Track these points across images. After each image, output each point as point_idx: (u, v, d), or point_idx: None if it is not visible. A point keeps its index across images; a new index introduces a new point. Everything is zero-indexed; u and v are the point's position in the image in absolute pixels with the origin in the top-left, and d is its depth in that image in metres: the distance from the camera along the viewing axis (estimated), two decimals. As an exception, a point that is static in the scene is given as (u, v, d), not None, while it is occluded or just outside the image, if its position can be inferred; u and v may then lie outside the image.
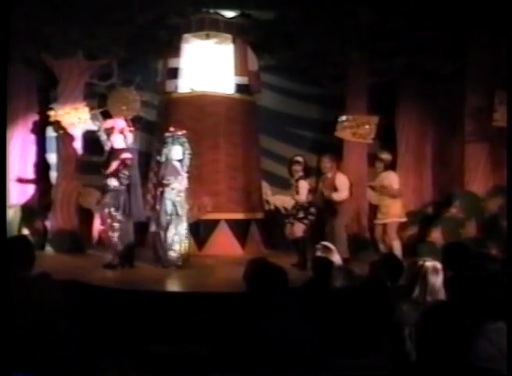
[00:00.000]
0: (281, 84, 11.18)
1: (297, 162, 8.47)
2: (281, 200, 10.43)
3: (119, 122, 8.52)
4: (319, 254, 5.18)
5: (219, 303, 5.86)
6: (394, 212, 8.64)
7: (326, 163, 8.60)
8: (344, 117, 9.80)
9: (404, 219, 8.85)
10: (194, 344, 5.23)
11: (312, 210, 8.38)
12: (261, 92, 10.65)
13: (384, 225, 8.72)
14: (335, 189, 8.46)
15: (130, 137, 8.32)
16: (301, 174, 8.40)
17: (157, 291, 6.94)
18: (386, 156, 8.90)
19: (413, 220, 9.45)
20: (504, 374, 2.72)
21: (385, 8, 8.55)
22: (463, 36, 8.86)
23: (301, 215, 8.34)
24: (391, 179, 8.70)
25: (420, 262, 3.90)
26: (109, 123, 8.64)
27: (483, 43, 8.87)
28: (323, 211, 8.59)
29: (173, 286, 7.58)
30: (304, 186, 8.33)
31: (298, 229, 8.33)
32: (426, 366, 2.41)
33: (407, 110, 10.15)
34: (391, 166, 9.08)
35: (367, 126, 9.71)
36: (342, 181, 8.52)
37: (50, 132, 10.39)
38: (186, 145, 8.26)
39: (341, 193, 8.43)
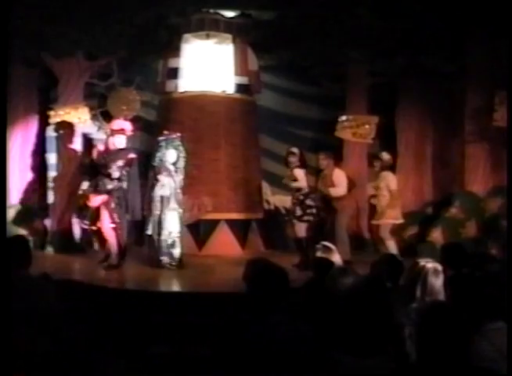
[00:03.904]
0: (281, 84, 11.18)
1: (293, 153, 8.52)
2: (281, 200, 10.43)
3: (127, 124, 8.56)
4: (319, 254, 5.17)
5: (219, 303, 5.86)
6: (389, 214, 8.62)
7: (322, 160, 8.64)
8: (344, 117, 9.81)
9: (400, 221, 8.79)
10: (194, 344, 5.24)
11: (309, 202, 8.35)
12: (261, 92, 10.65)
13: (379, 226, 8.71)
14: (333, 184, 8.45)
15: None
16: (297, 163, 8.44)
17: (157, 291, 6.95)
18: (386, 156, 8.90)
19: (413, 220, 9.45)
20: (504, 375, 2.72)
21: (385, 8, 8.56)
22: (463, 36, 8.86)
23: (298, 212, 8.31)
24: (389, 180, 8.67)
25: (421, 264, 3.90)
26: (117, 124, 8.63)
27: (483, 43, 8.87)
28: (322, 209, 8.57)
29: (173, 286, 7.58)
30: (300, 173, 8.33)
31: (299, 229, 8.31)
32: (426, 367, 2.41)
33: (407, 110, 10.16)
34: (391, 167, 9.07)
35: (367, 126, 9.72)
36: (340, 176, 8.53)
37: (50, 132, 10.39)
38: (180, 148, 8.23)
39: (338, 189, 8.41)
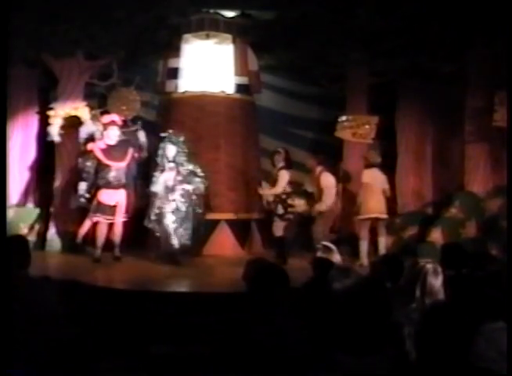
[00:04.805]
0: (281, 84, 11.18)
1: (278, 152, 8.71)
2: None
3: (115, 116, 9.02)
4: (319, 254, 5.18)
5: (219, 303, 5.87)
6: (372, 209, 8.57)
7: (312, 162, 8.80)
8: (344, 117, 9.79)
9: (384, 216, 8.73)
10: (194, 344, 5.24)
11: (291, 201, 8.45)
12: (261, 92, 10.65)
13: (372, 222, 8.70)
14: (319, 188, 8.52)
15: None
16: (282, 164, 8.56)
17: (157, 291, 6.95)
18: (370, 154, 8.89)
19: (413, 220, 9.44)
20: (504, 375, 2.72)
21: (385, 8, 8.56)
22: (463, 36, 8.85)
23: (280, 210, 8.41)
24: (363, 174, 8.65)
25: (421, 264, 3.91)
26: (107, 117, 9.01)
27: (483, 43, 8.86)
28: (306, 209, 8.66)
29: (173, 286, 7.58)
30: (284, 176, 8.49)
31: (278, 228, 8.44)
32: (426, 366, 2.41)
33: (407, 110, 10.15)
34: (385, 166, 9.04)
35: (367, 126, 9.70)
36: (328, 180, 8.60)
37: (50, 132, 10.36)
38: (180, 144, 8.39)
39: (325, 202, 8.51)
